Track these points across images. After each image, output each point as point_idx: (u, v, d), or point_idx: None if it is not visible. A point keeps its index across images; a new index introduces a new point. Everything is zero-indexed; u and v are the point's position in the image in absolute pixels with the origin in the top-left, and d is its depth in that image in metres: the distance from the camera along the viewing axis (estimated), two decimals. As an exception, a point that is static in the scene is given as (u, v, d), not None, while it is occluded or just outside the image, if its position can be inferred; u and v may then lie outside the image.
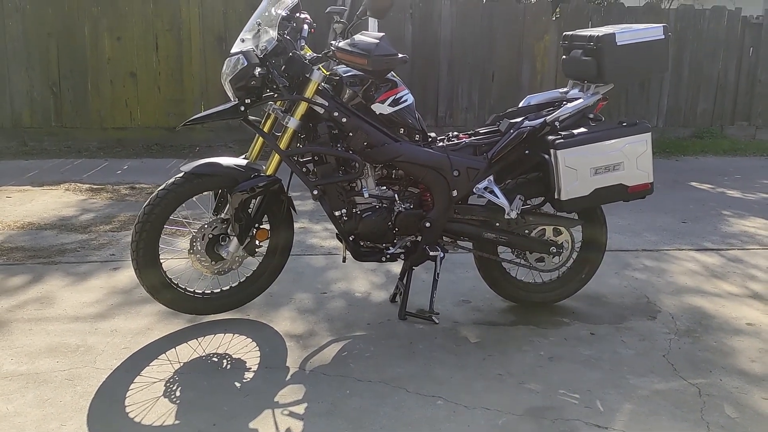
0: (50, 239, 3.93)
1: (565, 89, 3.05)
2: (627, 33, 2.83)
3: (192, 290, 2.85)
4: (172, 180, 2.68)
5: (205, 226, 2.76)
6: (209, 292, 2.89)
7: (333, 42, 2.70)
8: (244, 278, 2.94)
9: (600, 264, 3.12)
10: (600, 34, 2.83)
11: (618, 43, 2.81)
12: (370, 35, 2.57)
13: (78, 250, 3.76)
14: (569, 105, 2.88)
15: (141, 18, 6.66)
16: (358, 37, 2.59)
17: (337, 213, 2.76)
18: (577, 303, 3.15)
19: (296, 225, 4.22)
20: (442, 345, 2.72)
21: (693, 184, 5.78)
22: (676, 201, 5.11)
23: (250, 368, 2.50)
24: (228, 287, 2.92)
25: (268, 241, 2.89)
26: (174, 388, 2.35)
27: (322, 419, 2.18)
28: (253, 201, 2.77)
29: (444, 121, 7.23)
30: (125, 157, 6.43)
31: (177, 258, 3.06)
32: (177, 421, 2.15)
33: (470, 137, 2.95)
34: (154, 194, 2.66)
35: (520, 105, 3.03)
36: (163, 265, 2.75)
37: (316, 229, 4.24)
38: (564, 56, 3.07)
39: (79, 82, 6.69)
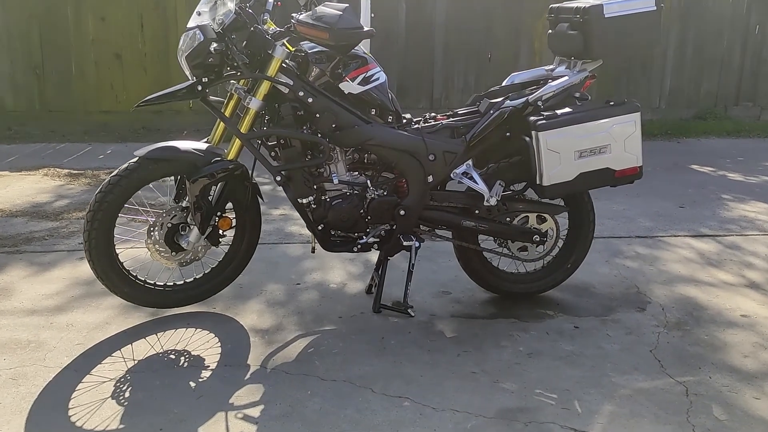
0: (19, 227, 3.78)
1: (551, 66, 2.86)
2: (615, 4, 2.63)
3: (152, 282, 2.69)
4: (125, 165, 2.51)
5: (164, 214, 2.60)
6: (171, 284, 2.73)
7: (294, 15, 2.51)
8: (208, 269, 2.78)
9: (587, 253, 2.94)
10: (587, 6, 2.63)
11: (606, 15, 2.62)
12: (333, 6, 2.38)
13: (46, 238, 3.61)
14: (553, 83, 2.69)
15: (125, -3, 6.46)
16: (320, 8, 2.40)
17: (303, 200, 2.60)
18: (562, 294, 2.98)
19: (276, 212, 4.10)
20: (415, 340, 2.56)
21: (694, 167, 5.57)
22: (674, 185, 4.90)
23: (208, 366, 2.35)
24: (191, 279, 2.77)
25: (233, 230, 2.73)
26: (124, 388, 2.20)
27: (277, 422, 2.03)
28: (215, 188, 2.61)
29: (440, 103, 7.01)
30: (110, 142, 6.25)
31: (135, 248, 2.90)
32: (121, 425, 2.01)
33: (448, 118, 2.77)
34: (106, 181, 2.49)
35: (504, 83, 2.84)
36: (119, 256, 2.59)
37: (296, 216, 4.05)
38: (550, 30, 2.87)
39: (62, 65, 6.50)
